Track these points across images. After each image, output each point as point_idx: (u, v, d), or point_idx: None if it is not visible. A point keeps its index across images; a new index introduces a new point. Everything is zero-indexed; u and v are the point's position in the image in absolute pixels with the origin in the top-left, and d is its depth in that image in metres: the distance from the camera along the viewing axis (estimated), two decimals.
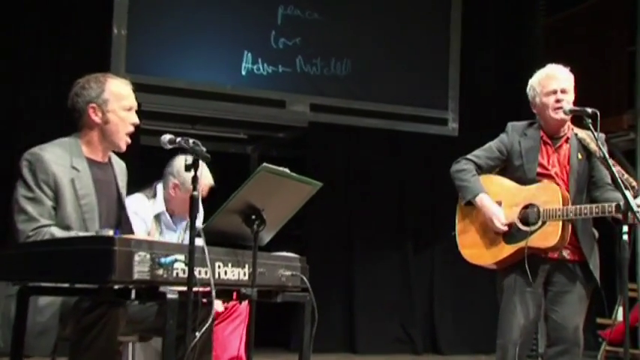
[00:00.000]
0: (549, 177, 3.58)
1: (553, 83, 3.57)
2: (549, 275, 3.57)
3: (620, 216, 3.15)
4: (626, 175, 3.35)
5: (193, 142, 2.47)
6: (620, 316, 6.26)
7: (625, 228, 3.08)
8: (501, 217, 3.54)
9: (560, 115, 3.54)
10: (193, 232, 2.37)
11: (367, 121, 6.72)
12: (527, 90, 3.66)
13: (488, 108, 7.01)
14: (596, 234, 3.60)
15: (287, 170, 2.66)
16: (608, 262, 3.78)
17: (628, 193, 3.11)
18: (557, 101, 3.54)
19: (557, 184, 3.51)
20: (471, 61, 7.09)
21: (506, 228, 3.53)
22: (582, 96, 3.63)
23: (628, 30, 6.74)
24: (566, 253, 3.55)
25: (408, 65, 6.85)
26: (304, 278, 2.84)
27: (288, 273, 2.80)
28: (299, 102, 6.55)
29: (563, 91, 3.56)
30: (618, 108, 6.64)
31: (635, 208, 3.06)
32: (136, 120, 2.87)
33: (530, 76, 3.68)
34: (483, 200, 3.59)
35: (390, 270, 6.91)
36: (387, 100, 6.78)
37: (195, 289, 2.30)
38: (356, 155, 6.85)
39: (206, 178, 3.65)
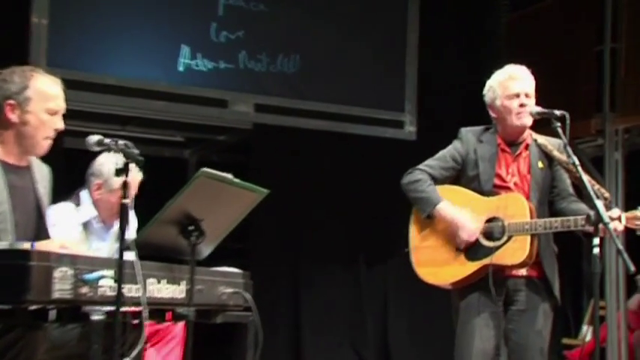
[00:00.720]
0: (507, 188, 3.59)
1: (516, 85, 3.60)
2: (509, 293, 3.60)
3: (590, 229, 3.18)
4: (597, 186, 3.41)
5: (124, 144, 2.43)
6: (586, 335, 6.42)
7: (596, 241, 3.11)
8: (471, 224, 3.52)
9: (524, 120, 3.56)
10: (122, 245, 2.32)
11: (317, 123, 6.73)
12: (485, 91, 3.70)
13: (448, 110, 7.08)
14: (556, 249, 3.65)
15: (229, 176, 2.64)
16: (574, 279, 3.84)
17: (599, 204, 3.14)
18: (522, 106, 3.57)
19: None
20: (429, 60, 7.14)
21: (478, 233, 3.51)
22: (547, 98, 3.67)
23: (595, 28, 6.86)
24: (525, 270, 3.58)
25: (362, 63, 6.90)
26: (247, 296, 2.84)
27: (230, 290, 2.82)
28: (242, 101, 6.51)
29: (527, 95, 3.60)
30: (585, 112, 6.75)
31: (606, 219, 3.09)
32: (60, 125, 2.81)
33: (489, 75, 3.74)
34: (446, 209, 3.58)
35: (341, 287, 6.89)
36: (339, 101, 6.80)
37: (124, 308, 2.27)
38: (305, 160, 6.89)
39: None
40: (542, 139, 3.62)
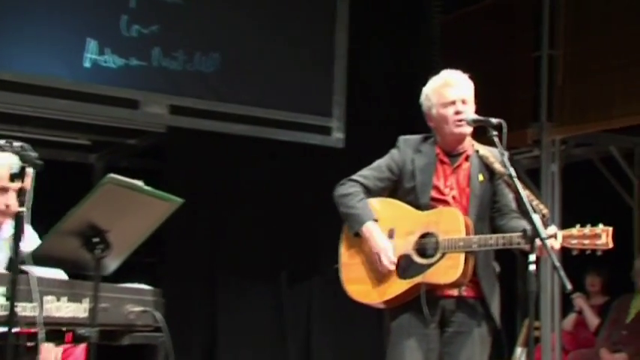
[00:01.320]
0: (445, 202, 3.62)
1: (452, 92, 3.63)
2: (445, 314, 3.61)
3: (526, 247, 3.23)
4: (536, 201, 3.42)
5: (20, 146, 2.35)
6: (520, 358, 6.61)
7: (532, 257, 3.15)
8: (389, 253, 3.56)
9: (462, 129, 3.60)
10: (17, 260, 2.24)
11: (237, 128, 6.70)
12: (421, 100, 3.73)
13: (379, 117, 7.19)
14: (497, 268, 3.70)
15: (139, 183, 2.59)
16: (508, 298, 3.89)
17: (536, 218, 3.19)
18: (457, 113, 3.61)
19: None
20: (360, 62, 7.18)
21: (393, 267, 3.55)
22: (481, 106, 3.69)
23: (533, 32, 6.97)
24: (463, 290, 3.60)
25: (287, 64, 6.89)
26: (158, 315, 2.80)
27: (138, 309, 2.76)
28: (155, 102, 6.44)
29: (463, 102, 3.64)
30: (522, 121, 6.85)
31: (543, 235, 3.15)
32: None
33: (427, 81, 3.76)
34: (371, 231, 3.61)
35: (261, 305, 6.92)
36: (261, 104, 6.78)
37: (16, 329, 2.19)
38: (223, 168, 6.88)
39: (2, 158, 3.12)
40: (484, 150, 3.65)
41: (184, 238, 6.59)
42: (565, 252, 3.42)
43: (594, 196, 7.05)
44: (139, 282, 2.90)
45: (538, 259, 3.18)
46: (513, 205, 3.58)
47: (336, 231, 3.80)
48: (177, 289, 6.14)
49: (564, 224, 3.68)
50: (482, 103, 3.72)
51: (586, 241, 3.32)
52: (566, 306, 6.97)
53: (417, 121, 4.01)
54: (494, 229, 3.60)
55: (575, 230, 3.36)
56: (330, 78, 7.05)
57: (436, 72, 3.78)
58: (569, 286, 3.10)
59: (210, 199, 6.78)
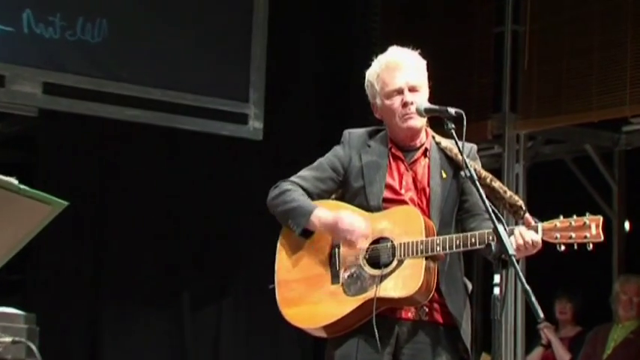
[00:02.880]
0: (401, 204, 3.66)
1: (397, 78, 3.65)
2: (400, 342, 3.60)
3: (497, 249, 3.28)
4: (509, 193, 3.54)
5: None
6: None
7: (496, 278, 3.21)
8: (363, 226, 3.56)
9: (411, 122, 3.65)
10: None
11: (129, 113, 6.63)
12: (365, 86, 3.75)
13: (310, 105, 7.19)
14: (469, 285, 3.72)
15: (12, 181, 2.53)
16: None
17: (500, 228, 3.23)
18: (405, 105, 3.63)
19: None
20: (284, 38, 7.19)
21: (369, 234, 3.57)
22: (432, 93, 3.71)
23: (495, 5, 7.03)
24: (423, 313, 3.62)
25: (193, 37, 6.88)
26: (32, 346, 2.74)
27: (7, 339, 2.71)
28: (26, 79, 6.38)
29: (412, 89, 3.65)
30: (480, 111, 6.90)
31: (506, 242, 3.21)
32: None
33: (365, 60, 3.77)
34: (325, 216, 3.61)
35: (157, 333, 6.87)
36: (161, 84, 6.74)
37: None
38: (111, 162, 6.82)
39: None
40: (446, 142, 3.70)
41: (60, 249, 6.55)
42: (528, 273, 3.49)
43: (566, 204, 6.67)
44: (5, 305, 2.90)
45: (503, 279, 3.23)
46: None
47: (256, 242, 3.83)
48: (51, 313, 6.07)
49: None
50: (437, 90, 3.76)
51: (572, 234, 3.38)
52: (532, 338, 7.02)
53: (354, 110, 4.02)
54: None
55: (558, 222, 3.43)
56: (246, 54, 7.00)
57: (377, 50, 3.81)
58: (541, 315, 3.14)
59: (92, 201, 6.75)
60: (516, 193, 6.40)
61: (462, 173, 3.47)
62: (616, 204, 7.47)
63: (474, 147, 3.70)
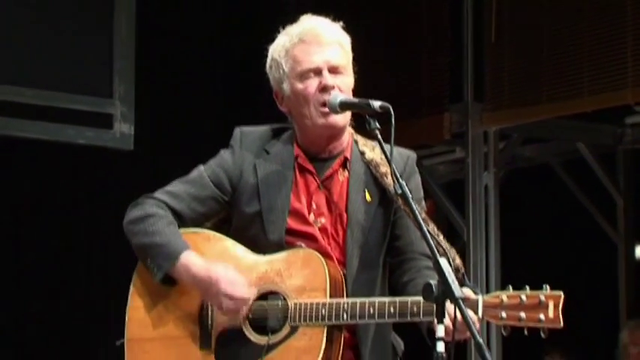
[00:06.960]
0: (310, 238, 3.49)
1: (315, 54, 3.50)
2: None
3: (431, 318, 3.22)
4: (441, 236, 3.44)
5: None
6: None
7: (439, 330, 3.00)
8: (242, 286, 3.42)
9: (330, 119, 3.49)
10: None
11: None
12: (267, 67, 3.60)
13: (197, 100, 7.00)
14: (400, 346, 3.60)
15: None
16: None
17: (444, 263, 3.01)
18: (325, 89, 3.45)
19: (327, 254, 3.43)
20: (160, 11, 6.90)
21: (246, 310, 3.44)
22: (365, 80, 3.61)
23: None
24: None
25: (46, 18, 6.45)
26: None
27: None
28: None
29: (333, 70, 3.49)
30: (433, 102, 6.55)
31: (458, 293, 2.97)
32: None
33: (271, 38, 3.60)
34: (194, 264, 3.45)
35: None
36: None
37: None
38: None
39: None
40: (372, 152, 3.57)
41: None
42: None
43: (554, 225, 6.88)
44: None
45: (450, 333, 3.04)
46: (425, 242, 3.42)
47: (112, 278, 3.91)
48: None
49: (503, 281, 3.54)
50: (366, 73, 3.59)
51: (522, 314, 3.15)
52: None
53: (260, 108, 4.16)
54: (395, 288, 3.52)
55: (505, 295, 3.21)
56: (107, 32, 6.59)
57: (289, 19, 3.59)
58: None
59: None
60: (484, 214, 6.46)
61: (392, 189, 3.37)
62: (621, 222, 7.21)
63: (412, 156, 3.49)
